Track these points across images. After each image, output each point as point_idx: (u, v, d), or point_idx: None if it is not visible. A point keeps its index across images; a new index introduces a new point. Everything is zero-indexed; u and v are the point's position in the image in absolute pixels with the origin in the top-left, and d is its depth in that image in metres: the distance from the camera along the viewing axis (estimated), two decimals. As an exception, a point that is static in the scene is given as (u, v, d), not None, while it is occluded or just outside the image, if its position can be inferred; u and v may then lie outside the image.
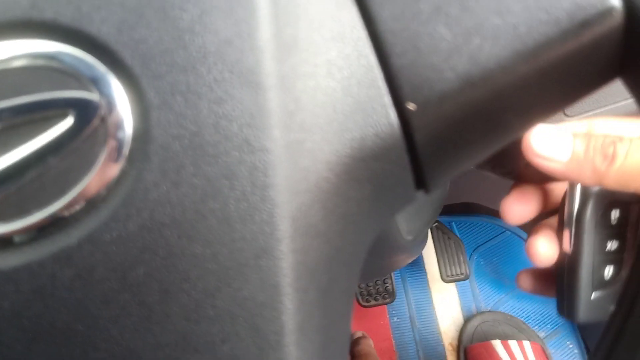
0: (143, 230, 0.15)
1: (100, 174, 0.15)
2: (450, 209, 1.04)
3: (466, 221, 1.04)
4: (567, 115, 0.49)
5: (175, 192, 0.15)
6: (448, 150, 0.18)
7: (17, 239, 0.15)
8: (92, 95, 0.15)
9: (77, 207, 0.15)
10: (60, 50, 0.16)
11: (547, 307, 0.99)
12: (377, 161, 0.17)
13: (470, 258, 1.02)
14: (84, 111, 0.15)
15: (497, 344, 0.90)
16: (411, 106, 0.16)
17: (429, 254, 1.02)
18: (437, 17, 0.15)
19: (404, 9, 0.16)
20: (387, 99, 0.16)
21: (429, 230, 1.03)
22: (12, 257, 0.15)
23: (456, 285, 1.02)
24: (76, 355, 0.16)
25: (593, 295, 0.31)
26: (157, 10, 0.15)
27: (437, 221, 1.02)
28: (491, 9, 0.15)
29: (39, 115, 0.15)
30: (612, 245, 0.30)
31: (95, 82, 0.15)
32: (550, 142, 0.27)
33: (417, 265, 1.02)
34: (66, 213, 0.15)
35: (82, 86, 0.15)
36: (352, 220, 0.18)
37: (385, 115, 0.16)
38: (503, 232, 1.03)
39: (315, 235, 0.16)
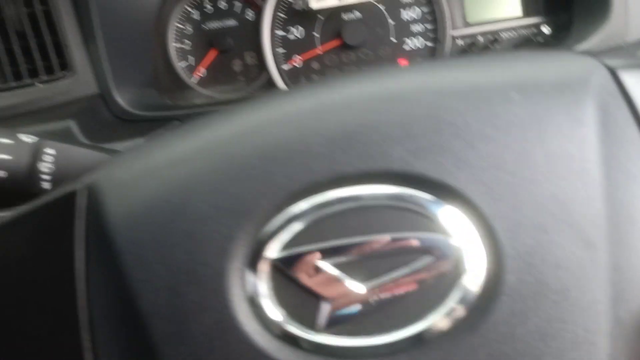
0: (489, 358, 0.19)
1: (457, 303, 0.20)
2: None
3: None
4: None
5: (520, 329, 0.19)
6: None
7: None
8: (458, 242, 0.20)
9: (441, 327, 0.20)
10: (426, 198, 0.20)
11: None
12: None
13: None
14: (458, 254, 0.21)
15: None
16: None
17: None
18: None
19: None
20: None
21: None
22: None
23: None
24: None
25: None
26: (527, 184, 0.20)
27: None
28: None
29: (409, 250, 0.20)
30: None
31: (457, 230, 0.20)
32: None
33: None
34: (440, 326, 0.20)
35: (438, 229, 0.20)
36: None
37: None
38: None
39: None
